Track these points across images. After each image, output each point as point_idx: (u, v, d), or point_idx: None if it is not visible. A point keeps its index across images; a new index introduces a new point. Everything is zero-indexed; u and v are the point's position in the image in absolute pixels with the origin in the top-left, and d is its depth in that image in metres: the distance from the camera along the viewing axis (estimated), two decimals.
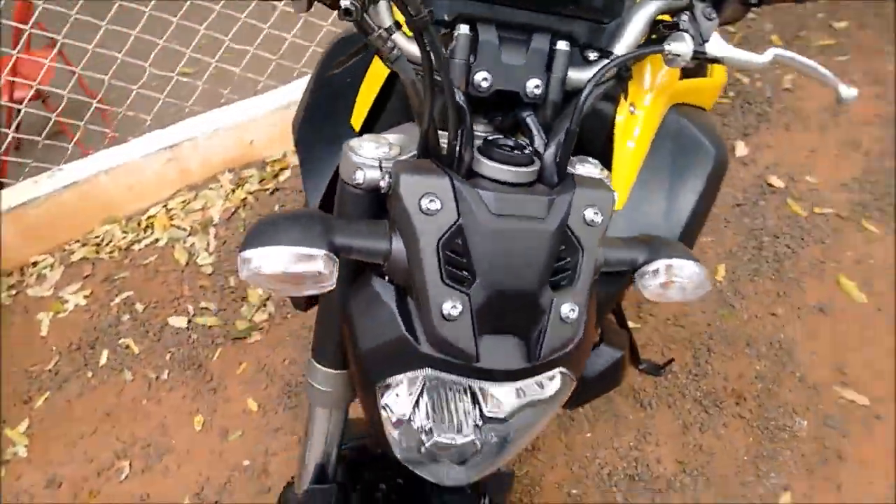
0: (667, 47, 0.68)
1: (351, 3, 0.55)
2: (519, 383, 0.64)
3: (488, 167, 0.61)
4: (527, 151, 0.63)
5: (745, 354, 1.78)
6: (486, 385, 0.64)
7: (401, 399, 0.65)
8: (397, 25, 0.62)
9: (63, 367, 1.93)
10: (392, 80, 0.86)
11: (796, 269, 1.94)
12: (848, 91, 0.75)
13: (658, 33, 0.72)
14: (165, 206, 2.29)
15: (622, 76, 0.73)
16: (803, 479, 1.57)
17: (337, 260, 0.58)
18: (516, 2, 0.67)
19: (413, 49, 0.64)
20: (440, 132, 0.62)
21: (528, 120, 0.68)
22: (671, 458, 1.62)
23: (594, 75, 0.64)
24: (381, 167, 0.61)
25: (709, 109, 0.99)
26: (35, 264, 2.16)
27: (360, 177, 0.62)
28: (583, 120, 0.64)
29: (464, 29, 0.66)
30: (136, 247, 2.19)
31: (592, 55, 0.71)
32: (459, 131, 0.60)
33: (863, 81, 2.47)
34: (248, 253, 0.57)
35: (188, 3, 2.19)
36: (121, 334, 1.99)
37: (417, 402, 0.66)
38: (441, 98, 0.59)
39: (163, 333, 1.98)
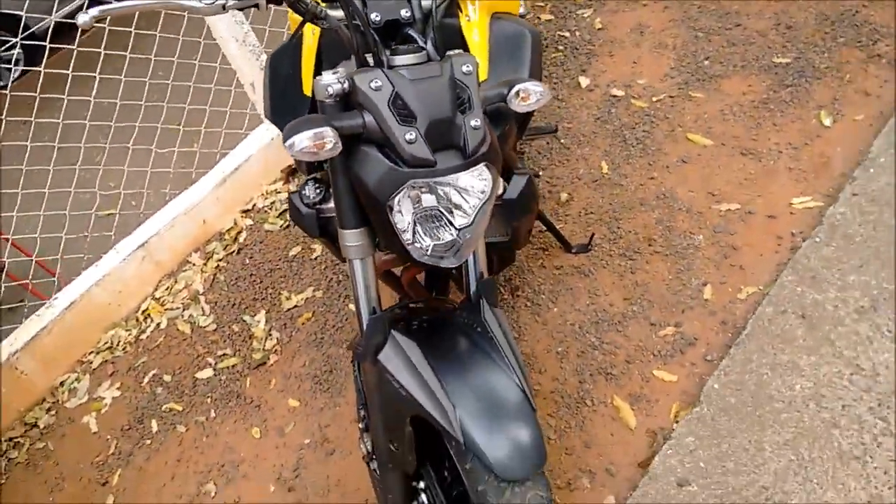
0: None
1: None
2: (464, 174, 1.08)
3: (398, 59, 1.07)
4: (415, 46, 1.10)
5: (643, 211, 2.28)
6: (440, 183, 1.07)
7: (404, 218, 1.08)
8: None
9: (123, 446, 2.22)
10: (319, 55, 1.33)
11: (655, 142, 2.48)
12: None
13: None
14: (153, 297, 2.63)
15: None
16: (715, 273, 2.05)
17: (338, 133, 1.02)
18: None
19: (331, 12, 1.10)
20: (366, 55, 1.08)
21: (410, 31, 1.14)
22: (619, 298, 2.08)
23: None
24: (339, 81, 1.06)
25: (516, 13, 1.51)
26: (62, 384, 2.45)
27: (330, 91, 1.06)
28: (442, 30, 1.11)
29: None
30: (143, 336, 2.52)
31: None
32: (376, 47, 1.07)
33: (650, 2, 3.11)
34: (289, 141, 1.01)
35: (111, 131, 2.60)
36: (161, 403, 2.30)
37: (415, 230, 1.09)
38: (357, 33, 1.06)
39: (196, 388, 2.31)
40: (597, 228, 2.28)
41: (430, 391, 1.13)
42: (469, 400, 1.12)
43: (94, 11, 0.98)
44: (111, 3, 1.00)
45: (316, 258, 2.56)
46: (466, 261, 1.28)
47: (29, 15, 2.66)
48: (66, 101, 2.46)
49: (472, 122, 1.07)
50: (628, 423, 1.79)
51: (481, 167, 1.09)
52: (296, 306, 2.44)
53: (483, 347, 1.21)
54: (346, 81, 1.05)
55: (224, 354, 2.37)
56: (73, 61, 2.38)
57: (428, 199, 1.08)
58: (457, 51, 1.14)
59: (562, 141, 2.63)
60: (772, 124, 2.39)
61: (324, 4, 1.13)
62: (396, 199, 1.06)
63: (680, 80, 2.69)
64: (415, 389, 1.14)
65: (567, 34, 3.15)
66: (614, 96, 2.74)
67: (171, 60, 2.66)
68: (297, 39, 1.39)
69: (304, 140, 1.00)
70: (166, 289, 2.64)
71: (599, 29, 3.11)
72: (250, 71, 2.65)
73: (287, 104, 1.37)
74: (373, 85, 1.03)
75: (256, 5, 1.06)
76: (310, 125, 1.01)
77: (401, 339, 1.19)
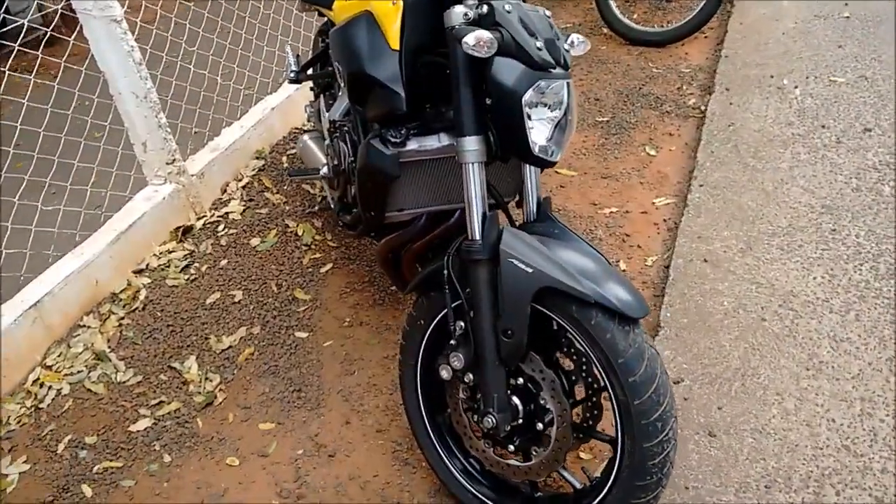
0: None
1: None
2: (561, 80, 1.37)
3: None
4: None
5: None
6: (555, 85, 1.35)
7: (534, 117, 1.33)
8: None
9: None
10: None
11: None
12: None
13: None
14: (43, 366, 2.26)
15: None
16: (621, 253, 2.48)
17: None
18: None
19: None
20: None
21: None
22: None
23: None
24: (473, 9, 1.33)
25: None
26: None
27: (468, 16, 1.33)
28: None
29: None
30: (43, 405, 2.13)
31: None
32: None
33: None
34: (464, 38, 1.26)
35: None
36: (90, 466, 1.96)
37: (532, 129, 1.35)
38: None
39: (133, 441, 2.02)
40: None
41: (555, 262, 1.32)
42: (583, 271, 1.34)
43: None
44: None
45: (239, 301, 2.47)
46: (527, 189, 1.55)
47: None
48: None
49: (565, 46, 1.40)
50: None
51: (570, 82, 1.40)
52: (230, 347, 2.30)
53: (571, 239, 1.45)
54: (484, 7, 1.34)
55: (160, 402, 2.12)
56: None
57: (542, 108, 1.37)
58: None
59: None
60: (614, 158, 3.04)
61: None
62: (526, 96, 1.31)
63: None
64: (541, 264, 1.33)
65: None
66: None
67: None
68: (364, 15, 1.60)
69: (472, 37, 1.26)
70: (59, 355, 2.29)
71: None
72: (145, 128, 2.60)
73: (376, 58, 1.55)
74: (507, 8, 1.33)
75: None
76: (478, 31, 1.28)
77: (512, 230, 1.39)
